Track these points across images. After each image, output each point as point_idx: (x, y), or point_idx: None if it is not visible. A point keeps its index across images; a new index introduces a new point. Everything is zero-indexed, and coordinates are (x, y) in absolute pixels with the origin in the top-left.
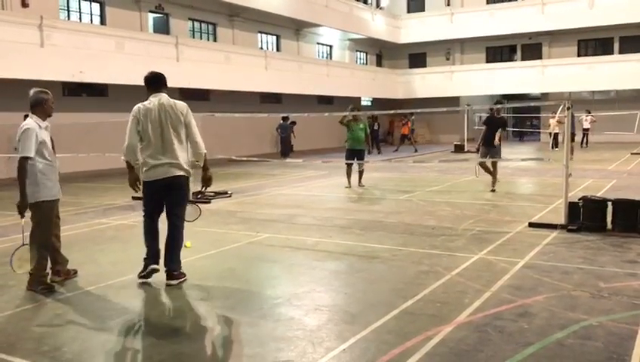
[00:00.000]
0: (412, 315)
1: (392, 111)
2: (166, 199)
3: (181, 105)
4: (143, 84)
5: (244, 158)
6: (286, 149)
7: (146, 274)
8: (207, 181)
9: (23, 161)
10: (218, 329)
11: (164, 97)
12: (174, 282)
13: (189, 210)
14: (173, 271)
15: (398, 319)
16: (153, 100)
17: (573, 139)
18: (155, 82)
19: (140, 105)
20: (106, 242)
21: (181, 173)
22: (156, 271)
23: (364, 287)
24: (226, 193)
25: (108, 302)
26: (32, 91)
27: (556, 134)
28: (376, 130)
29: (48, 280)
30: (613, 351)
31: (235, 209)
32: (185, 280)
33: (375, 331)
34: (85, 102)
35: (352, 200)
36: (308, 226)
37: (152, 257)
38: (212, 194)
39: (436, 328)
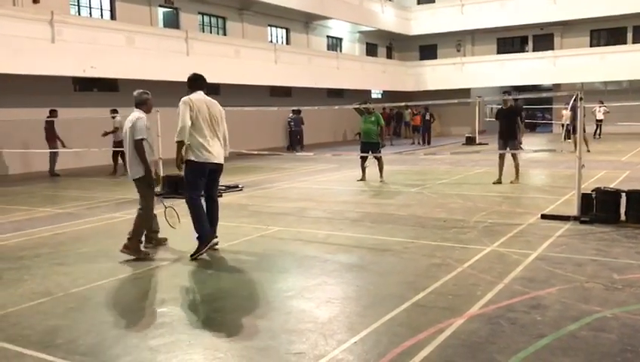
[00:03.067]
0: (424, 308)
1: (402, 103)
2: (210, 178)
3: (218, 103)
4: (154, 78)
5: (255, 152)
6: (297, 142)
7: (209, 247)
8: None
9: (139, 142)
10: (229, 322)
11: (205, 96)
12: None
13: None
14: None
15: (409, 311)
16: (198, 96)
17: (584, 130)
18: (198, 81)
19: (188, 97)
20: (118, 235)
21: (222, 160)
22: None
23: (376, 280)
24: (237, 186)
25: (121, 296)
26: (136, 92)
27: (569, 125)
28: (429, 121)
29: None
30: (627, 343)
31: (245, 202)
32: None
33: (386, 323)
34: (96, 97)
35: (362, 193)
36: (319, 219)
37: (211, 232)
38: (223, 187)
39: (448, 320)
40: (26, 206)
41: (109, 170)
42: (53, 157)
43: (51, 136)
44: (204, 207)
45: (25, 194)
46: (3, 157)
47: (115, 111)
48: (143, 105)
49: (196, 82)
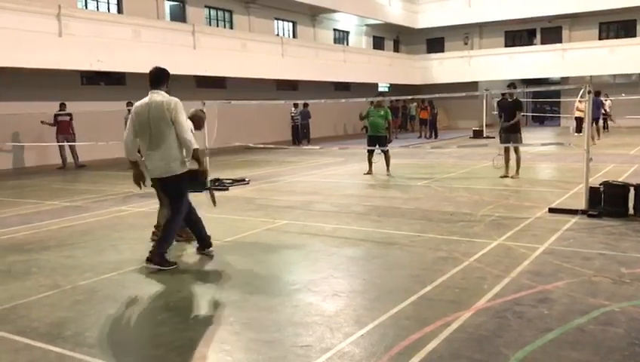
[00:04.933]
0: (430, 301)
1: (409, 97)
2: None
3: (168, 102)
4: None
5: (261, 145)
6: (304, 136)
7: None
8: (202, 175)
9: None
10: (236, 315)
11: (157, 95)
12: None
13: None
14: (147, 258)
15: (416, 305)
16: (145, 100)
17: (596, 123)
18: (153, 79)
19: (138, 102)
20: (125, 229)
21: (169, 174)
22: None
23: (382, 273)
24: (244, 180)
25: (128, 289)
26: (193, 109)
27: (581, 119)
28: (436, 114)
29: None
30: (635, 337)
31: (252, 196)
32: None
33: (393, 317)
34: (103, 91)
35: (369, 187)
36: (325, 213)
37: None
38: (230, 181)
39: (455, 314)
40: (34, 199)
41: (117, 163)
42: (73, 149)
43: (67, 129)
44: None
45: (33, 187)
46: (11, 151)
47: (130, 104)
48: (195, 121)
49: (152, 80)
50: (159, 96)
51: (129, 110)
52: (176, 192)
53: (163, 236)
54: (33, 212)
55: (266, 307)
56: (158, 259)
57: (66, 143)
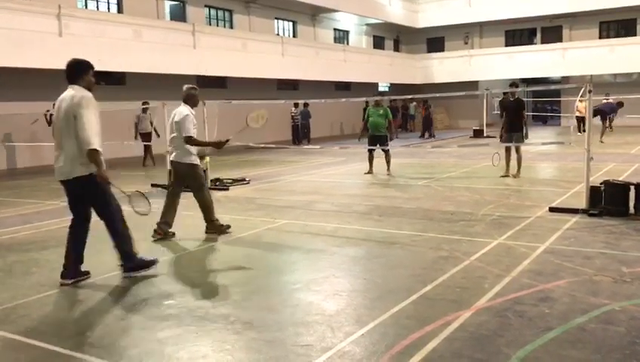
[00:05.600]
0: (431, 300)
1: (409, 96)
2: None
3: (73, 96)
4: (161, 72)
5: (262, 145)
6: (304, 135)
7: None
8: (102, 180)
9: (188, 139)
10: (237, 314)
11: (70, 90)
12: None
13: (136, 199)
14: (123, 269)
15: (417, 304)
16: (62, 95)
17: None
18: (68, 72)
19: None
20: None
21: (74, 175)
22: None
23: (383, 273)
24: (244, 180)
25: (128, 288)
26: (185, 87)
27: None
28: (429, 114)
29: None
30: (636, 336)
31: (253, 195)
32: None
33: (394, 316)
34: (103, 91)
35: (370, 186)
36: (326, 212)
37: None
38: (230, 181)
39: (456, 313)
40: (34, 199)
41: (117, 163)
42: None
43: None
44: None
45: (32, 187)
46: (12, 151)
47: (146, 103)
48: (189, 100)
49: (67, 74)
50: (72, 91)
51: (143, 109)
52: (91, 197)
53: (116, 243)
54: (33, 212)
55: (267, 306)
56: (130, 265)
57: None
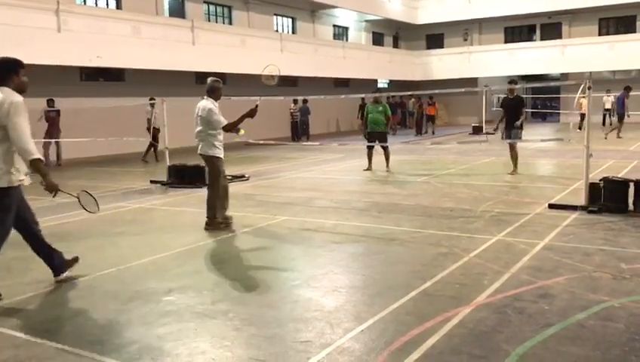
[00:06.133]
0: (430, 297)
1: (409, 93)
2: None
3: (4, 104)
4: (160, 68)
5: (261, 142)
6: (303, 132)
7: None
8: (50, 189)
9: (224, 128)
10: (236, 311)
11: (4, 91)
12: None
13: (85, 199)
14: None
15: (416, 300)
16: None
17: (621, 119)
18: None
19: None
20: (125, 225)
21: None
22: None
23: (382, 269)
24: (244, 176)
25: (127, 284)
26: (209, 80)
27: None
28: (422, 111)
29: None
30: (635, 333)
31: (252, 192)
32: None
33: (393, 312)
34: (102, 87)
35: (369, 183)
36: (325, 209)
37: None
38: (229, 177)
39: (455, 309)
40: (33, 195)
41: (116, 159)
42: (59, 145)
43: (56, 127)
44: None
45: (31, 183)
46: None
47: (152, 99)
48: (213, 93)
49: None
50: (3, 94)
51: (151, 104)
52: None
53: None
54: (32, 208)
55: (267, 303)
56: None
57: (52, 140)
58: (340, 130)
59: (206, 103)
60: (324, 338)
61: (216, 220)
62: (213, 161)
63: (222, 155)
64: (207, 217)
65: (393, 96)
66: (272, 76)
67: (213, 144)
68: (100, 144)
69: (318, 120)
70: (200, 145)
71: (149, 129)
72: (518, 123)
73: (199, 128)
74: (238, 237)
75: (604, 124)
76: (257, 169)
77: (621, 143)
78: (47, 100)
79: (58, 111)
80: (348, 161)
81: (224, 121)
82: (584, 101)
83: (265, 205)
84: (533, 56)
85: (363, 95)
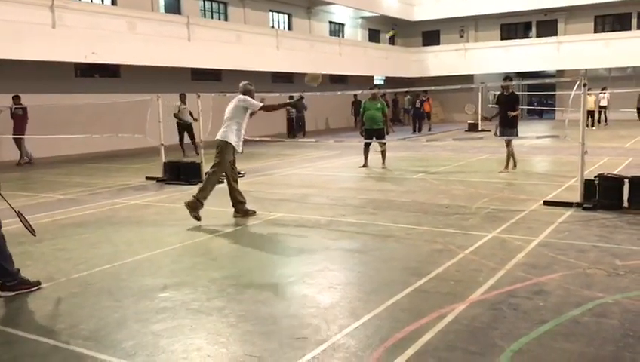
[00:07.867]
0: (426, 293)
1: (404, 89)
2: None
3: None
4: (155, 64)
5: (257, 138)
6: (299, 129)
7: None
8: None
9: (262, 107)
10: (232, 307)
11: None
12: None
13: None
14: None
15: (411, 297)
16: None
17: None
18: None
19: None
20: (120, 222)
21: None
22: None
23: (378, 266)
24: (239, 173)
25: (122, 281)
26: (241, 83)
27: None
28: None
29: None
30: (629, 329)
31: (248, 188)
32: None
33: (388, 309)
34: (98, 83)
35: (365, 180)
36: (321, 205)
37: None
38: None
39: (450, 306)
40: (28, 192)
41: (111, 156)
42: (21, 143)
43: (24, 125)
44: None
45: (26, 180)
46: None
47: (183, 96)
48: (246, 94)
49: None
50: None
51: (182, 100)
52: None
53: None
54: (27, 205)
55: (262, 299)
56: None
57: (23, 137)
58: (337, 127)
59: (243, 96)
60: (320, 335)
61: (241, 205)
62: (222, 147)
63: (235, 144)
64: (233, 206)
65: (385, 94)
66: (317, 77)
67: (234, 133)
68: (95, 140)
69: (314, 116)
70: (220, 131)
71: (179, 124)
72: (512, 114)
73: (227, 116)
74: (233, 234)
75: (599, 121)
76: (253, 165)
77: (616, 140)
78: (13, 97)
79: (25, 109)
80: (344, 158)
81: (260, 103)
82: (590, 99)
83: (261, 201)
84: (528, 53)
85: (359, 91)
